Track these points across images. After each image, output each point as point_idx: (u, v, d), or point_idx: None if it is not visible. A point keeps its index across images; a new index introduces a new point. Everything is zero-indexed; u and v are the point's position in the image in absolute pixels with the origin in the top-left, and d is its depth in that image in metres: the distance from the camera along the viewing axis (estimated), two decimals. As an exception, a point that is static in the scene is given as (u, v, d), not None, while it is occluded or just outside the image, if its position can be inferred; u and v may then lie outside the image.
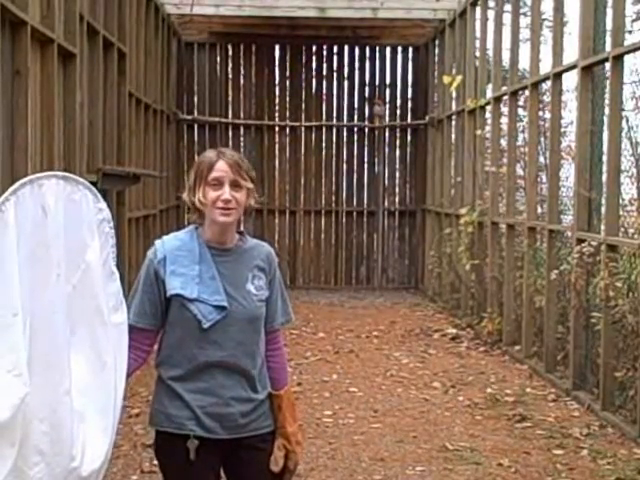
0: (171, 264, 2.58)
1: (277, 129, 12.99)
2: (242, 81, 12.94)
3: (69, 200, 2.34)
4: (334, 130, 12.92)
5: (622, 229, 6.04)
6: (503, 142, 8.77)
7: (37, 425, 2.17)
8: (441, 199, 11.13)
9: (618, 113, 5.83)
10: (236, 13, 10.87)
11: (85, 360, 2.34)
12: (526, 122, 8.32)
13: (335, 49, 12.94)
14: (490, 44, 9.12)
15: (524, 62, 8.64)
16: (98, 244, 2.40)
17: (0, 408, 2.08)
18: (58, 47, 5.65)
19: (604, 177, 6.15)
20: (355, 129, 13.05)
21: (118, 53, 7.71)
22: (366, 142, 12.99)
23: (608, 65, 5.93)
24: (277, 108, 13.02)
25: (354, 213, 13.02)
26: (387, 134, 13.05)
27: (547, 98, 8.06)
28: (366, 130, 12.96)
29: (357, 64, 13.01)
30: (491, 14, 9.23)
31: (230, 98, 12.84)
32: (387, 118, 13.01)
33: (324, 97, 13.05)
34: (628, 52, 5.71)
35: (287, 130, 12.86)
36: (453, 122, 10.71)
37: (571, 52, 6.86)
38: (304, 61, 12.86)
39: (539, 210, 8.01)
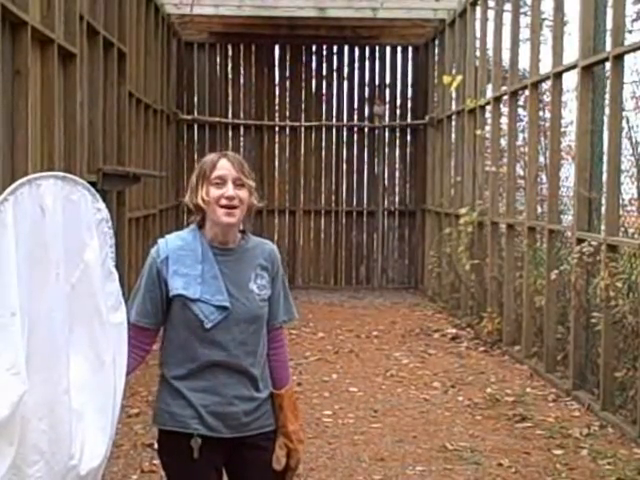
0: (174, 264, 2.58)
1: (277, 129, 12.99)
2: (242, 81, 12.95)
3: (67, 200, 2.34)
4: (334, 130, 12.93)
5: (622, 229, 6.04)
6: (503, 142, 8.77)
7: (36, 424, 2.17)
8: (441, 199, 11.13)
9: (618, 113, 5.83)
10: (236, 13, 10.89)
11: (84, 359, 2.34)
12: (526, 122, 8.32)
13: (335, 49, 12.95)
14: (490, 44, 9.12)
15: (524, 62, 8.63)
16: (97, 244, 2.40)
17: (-2, 407, 2.08)
18: (58, 47, 5.64)
19: (604, 177, 6.15)
20: (355, 129, 13.04)
21: (118, 53, 7.71)
22: (366, 142, 12.98)
23: (608, 65, 5.93)
24: (277, 108, 13.03)
25: (354, 213, 13.02)
26: (387, 134, 13.05)
27: (547, 98, 8.07)
28: (366, 130, 12.96)
29: (357, 64, 13.01)
30: (491, 14, 9.22)
31: (230, 98, 12.85)
32: (387, 118, 13.01)
33: (324, 97, 13.05)
34: (628, 52, 5.71)
35: (287, 130, 12.86)
36: (453, 122, 10.70)
37: (571, 52, 6.86)
38: (304, 61, 12.86)
39: (539, 210, 8.02)
